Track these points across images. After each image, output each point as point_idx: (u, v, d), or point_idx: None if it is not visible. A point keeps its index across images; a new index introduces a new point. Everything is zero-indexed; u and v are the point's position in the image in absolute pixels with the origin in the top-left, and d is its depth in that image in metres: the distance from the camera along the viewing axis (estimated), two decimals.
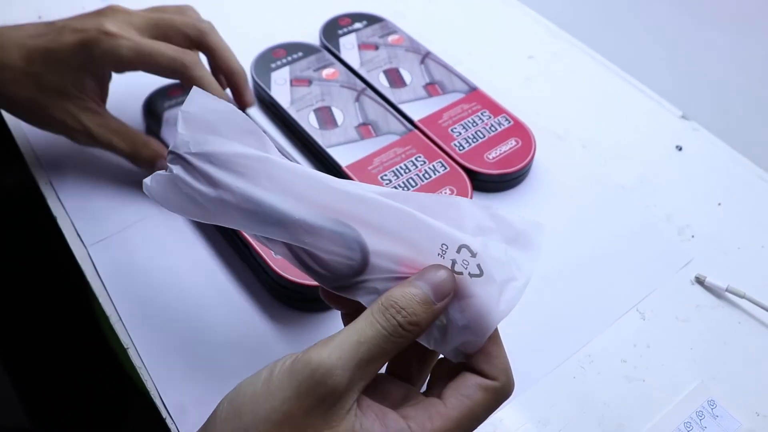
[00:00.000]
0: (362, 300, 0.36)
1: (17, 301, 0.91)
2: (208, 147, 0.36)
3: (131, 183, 0.59)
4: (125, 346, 0.49)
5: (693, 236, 0.57)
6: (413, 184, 0.55)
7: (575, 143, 0.64)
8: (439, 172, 0.56)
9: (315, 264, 0.36)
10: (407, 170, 0.56)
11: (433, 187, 0.55)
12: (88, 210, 0.57)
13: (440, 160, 0.57)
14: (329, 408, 0.31)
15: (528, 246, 0.36)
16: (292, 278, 0.47)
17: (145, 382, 0.47)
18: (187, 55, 0.52)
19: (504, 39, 0.75)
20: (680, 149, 0.64)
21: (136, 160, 0.56)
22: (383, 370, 0.38)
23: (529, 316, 0.51)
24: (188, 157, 0.36)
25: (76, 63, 0.52)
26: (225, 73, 0.56)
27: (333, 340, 0.32)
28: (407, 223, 0.34)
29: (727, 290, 0.52)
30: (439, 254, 0.34)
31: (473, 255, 0.34)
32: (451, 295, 0.34)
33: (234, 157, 0.36)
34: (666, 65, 0.71)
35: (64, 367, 0.90)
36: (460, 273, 0.34)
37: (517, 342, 0.49)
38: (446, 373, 0.36)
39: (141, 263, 0.54)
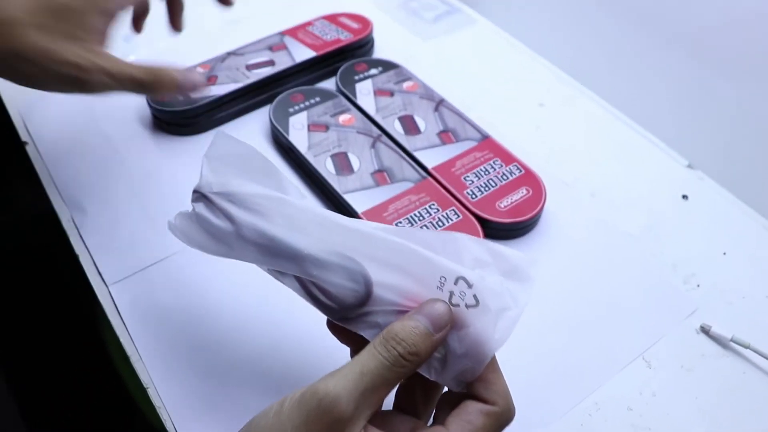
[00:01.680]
0: (365, 334, 0.38)
1: (29, 329, 0.92)
2: (229, 187, 0.40)
3: (153, 222, 0.60)
4: (145, 386, 0.50)
5: (698, 285, 0.58)
6: None
7: (583, 191, 0.65)
8: (452, 219, 0.58)
9: (323, 296, 0.39)
10: (421, 217, 0.58)
11: None
12: (110, 248, 0.59)
13: (453, 207, 0.59)
14: None
15: (523, 278, 0.38)
16: None
17: (164, 422, 0.48)
18: None
19: (515, 86, 0.77)
20: (686, 198, 0.65)
21: (158, 84, 0.52)
22: (391, 406, 0.41)
23: (538, 363, 0.52)
24: (211, 196, 0.41)
25: (80, 3, 0.51)
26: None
27: (339, 372, 0.34)
28: (408, 257, 0.37)
29: (732, 340, 0.53)
30: (437, 287, 0.37)
31: (470, 286, 0.36)
32: (448, 327, 0.36)
33: (251, 197, 0.40)
34: (672, 114, 0.72)
35: (71, 396, 0.91)
36: (458, 305, 0.36)
37: (526, 388, 0.50)
38: (449, 403, 0.38)
39: (162, 303, 0.55)
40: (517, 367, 0.52)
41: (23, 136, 0.68)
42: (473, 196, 0.60)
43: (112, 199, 0.62)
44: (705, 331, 0.55)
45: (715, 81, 0.68)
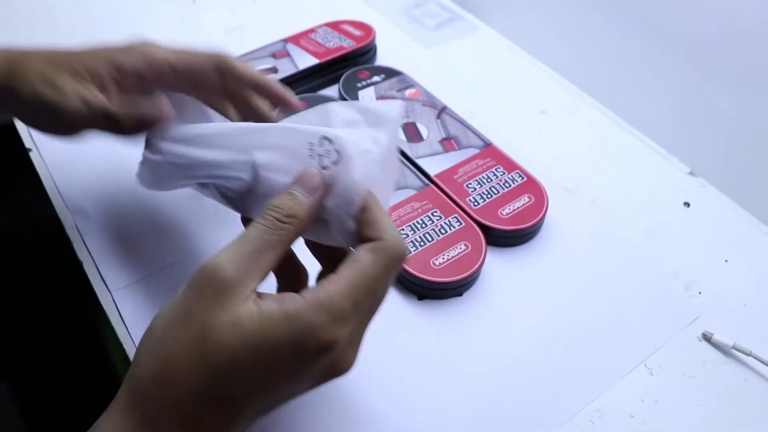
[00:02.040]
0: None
1: (30, 333, 0.92)
2: (166, 132, 0.48)
3: (156, 228, 0.61)
4: None
5: (700, 292, 0.58)
6: (429, 239, 0.57)
7: (585, 198, 0.65)
8: (454, 227, 0.58)
9: (230, 192, 0.45)
10: (423, 225, 0.58)
11: (448, 242, 0.57)
12: (114, 254, 0.59)
13: (455, 215, 0.59)
14: (225, 297, 0.35)
15: (386, 123, 0.41)
16: None
17: None
18: (221, 54, 0.52)
19: (517, 93, 0.78)
20: (688, 206, 0.65)
21: (129, 121, 0.49)
22: None
23: (540, 370, 0.52)
24: (151, 139, 0.48)
25: (106, 51, 0.51)
26: (257, 89, 0.53)
27: (223, 247, 0.37)
28: (282, 134, 0.42)
29: (733, 347, 0.53)
30: (309, 155, 0.40)
31: (331, 142, 0.40)
32: (321, 188, 0.39)
33: (177, 131, 0.47)
34: (674, 122, 0.73)
35: (72, 400, 0.91)
36: (327, 166, 0.40)
37: (528, 396, 0.51)
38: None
39: None
40: (520, 374, 0.52)
41: (27, 143, 0.68)
42: (476, 204, 0.60)
43: (116, 206, 0.63)
44: (707, 338, 0.55)
45: (716, 88, 0.68)
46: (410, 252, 0.41)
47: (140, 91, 0.50)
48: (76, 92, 0.49)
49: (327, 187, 0.39)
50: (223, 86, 0.52)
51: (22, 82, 0.49)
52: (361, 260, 0.37)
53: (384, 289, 0.38)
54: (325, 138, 0.40)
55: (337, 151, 0.40)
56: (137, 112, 0.49)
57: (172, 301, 0.37)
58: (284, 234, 0.38)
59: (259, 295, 0.36)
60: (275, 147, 0.42)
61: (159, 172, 0.49)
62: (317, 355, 0.35)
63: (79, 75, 0.49)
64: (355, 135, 0.40)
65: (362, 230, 0.39)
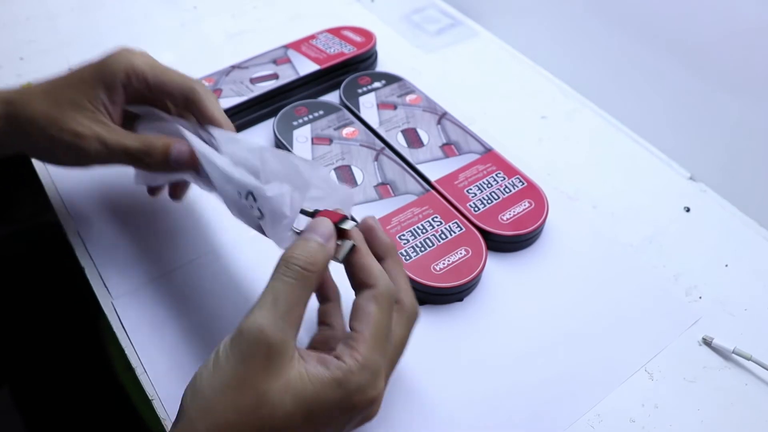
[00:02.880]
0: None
1: (33, 341, 0.92)
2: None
3: (158, 235, 0.61)
4: (150, 398, 0.51)
5: (700, 297, 0.58)
6: (430, 244, 0.57)
7: (586, 203, 0.66)
8: (455, 232, 0.58)
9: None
10: (424, 230, 0.58)
11: (449, 247, 0.57)
12: (115, 261, 0.59)
13: (456, 220, 0.59)
14: (274, 362, 0.37)
15: (306, 186, 0.45)
16: None
17: None
18: (197, 83, 0.54)
19: (517, 99, 0.78)
20: (688, 210, 0.65)
21: (150, 155, 0.52)
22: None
23: (540, 375, 0.52)
24: None
25: (91, 75, 0.53)
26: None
27: (255, 307, 0.38)
28: (220, 174, 0.46)
29: (734, 352, 0.54)
30: (239, 197, 0.45)
31: (255, 200, 0.44)
32: (333, 235, 0.42)
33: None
34: (675, 127, 0.73)
35: (76, 408, 0.91)
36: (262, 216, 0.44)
37: (529, 401, 0.51)
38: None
39: (166, 315, 0.55)
40: (520, 379, 0.52)
41: None
42: (476, 209, 0.60)
43: (118, 213, 0.63)
44: (707, 342, 0.55)
45: (716, 94, 0.68)
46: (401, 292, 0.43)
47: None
48: (95, 135, 0.51)
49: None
50: (184, 110, 0.55)
51: (31, 126, 0.52)
52: (370, 313, 0.41)
53: (390, 326, 0.42)
54: (251, 194, 0.44)
55: (259, 209, 0.44)
56: (164, 154, 0.52)
57: (218, 365, 0.38)
58: (309, 283, 0.40)
59: (301, 354, 0.39)
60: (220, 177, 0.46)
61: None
62: (364, 409, 0.40)
63: (86, 110, 0.52)
64: (276, 198, 0.43)
65: (357, 274, 0.42)
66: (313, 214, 0.45)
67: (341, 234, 0.43)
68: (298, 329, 0.39)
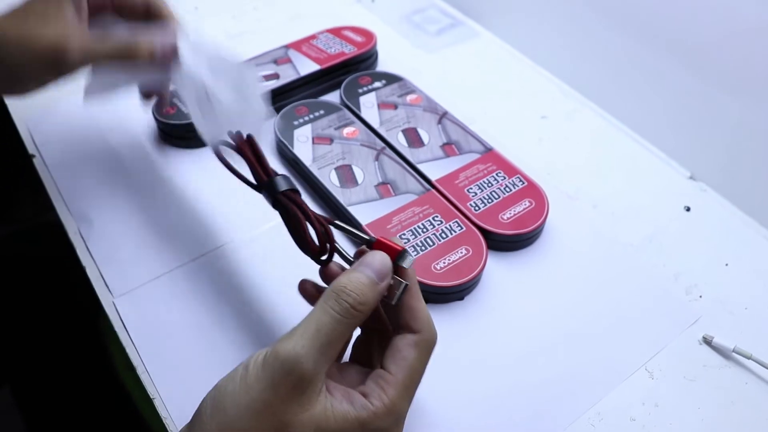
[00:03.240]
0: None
1: (34, 340, 0.93)
2: None
3: (159, 234, 0.61)
4: (151, 397, 0.51)
5: (701, 296, 0.58)
6: (430, 243, 0.57)
7: (586, 203, 0.66)
8: (455, 231, 0.58)
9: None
10: (425, 230, 0.58)
11: (449, 246, 0.57)
12: (116, 260, 0.60)
13: (456, 220, 0.59)
14: (302, 393, 0.36)
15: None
16: None
17: None
18: None
19: (518, 99, 0.78)
20: (688, 210, 0.66)
21: (136, 51, 0.52)
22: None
23: (541, 374, 0.52)
24: None
25: None
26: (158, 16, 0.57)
27: (296, 332, 0.38)
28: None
29: (734, 351, 0.54)
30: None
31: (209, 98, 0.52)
32: (389, 275, 0.40)
33: None
34: (675, 127, 0.73)
35: (77, 408, 0.91)
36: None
37: (530, 400, 0.51)
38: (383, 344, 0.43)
39: (168, 314, 0.56)
40: (521, 378, 0.52)
41: (30, 149, 0.69)
42: (476, 208, 0.60)
43: (119, 211, 0.63)
44: (707, 341, 0.55)
45: (716, 93, 0.68)
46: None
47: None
48: (77, 34, 0.51)
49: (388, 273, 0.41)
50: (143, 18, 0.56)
51: (4, 45, 0.50)
52: (408, 357, 0.40)
53: (422, 374, 0.41)
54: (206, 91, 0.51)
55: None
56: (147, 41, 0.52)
57: (245, 384, 0.37)
58: (354, 323, 0.39)
59: (328, 388, 0.38)
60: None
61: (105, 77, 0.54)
62: None
63: (59, 17, 0.50)
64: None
65: (404, 315, 0.41)
66: (370, 243, 0.43)
67: (396, 270, 0.41)
68: (331, 364, 0.38)
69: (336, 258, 0.45)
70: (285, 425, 0.36)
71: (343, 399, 0.38)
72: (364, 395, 0.39)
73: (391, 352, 0.40)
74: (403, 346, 0.40)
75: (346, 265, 0.43)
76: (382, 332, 0.44)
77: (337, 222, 0.45)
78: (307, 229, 0.45)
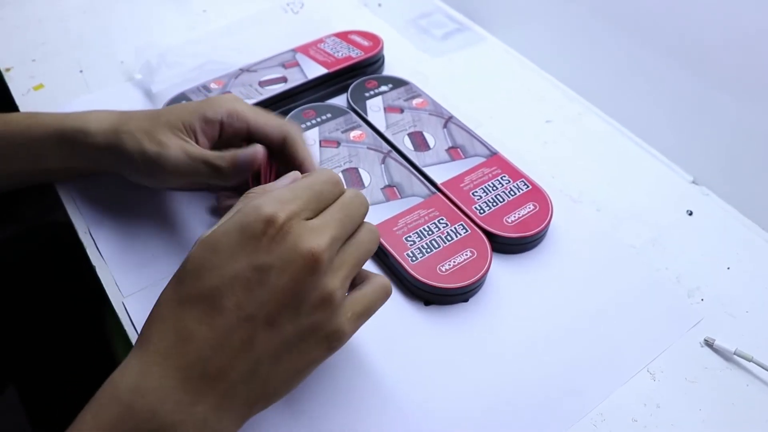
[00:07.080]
0: None
1: (39, 340, 0.93)
2: None
3: (168, 234, 0.62)
4: None
5: (702, 299, 0.59)
6: (436, 246, 0.58)
7: (589, 206, 0.66)
8: (460, 234, 0.59)
9: None
10: (430, 232, 0.59)
11: (454, 249, 0.58)
12: (125, 260, 0.60)
13: (462, 222, 0.60)
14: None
15: None
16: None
17: None
18: (293, 128, 0.58)
19: (522, 103, 0.79)
20: (691, 214, 0.66)
21: (224, 161, 0.56)
22: None
23: (544, 375, 0.53)
24: None
25: (194, 106, 0.58)
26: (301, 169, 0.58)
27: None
28: None
29: (735, 353, 0.54)
30: None
31: None
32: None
33: None
34: (677, 131, 0.73)
35: (83, 407, 0.92)
36: None
37: (532, 400, 0.52)
38: None
39: None
40: (524, 379, 0.53)
41: None
42: (481, 211, 0.61)
43: (129, 212, 0.64)
44: (709, 344, 0.56)
45: (719, 97, 0.69)
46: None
47: (219, 137, 0.58)
48: (179, 146, 0.55)
49: None
50: (278, 151, 0.58)
51: (128, 138, 0.56)
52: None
53: (322, 191, 0.43)
54: None
55: None
56: (235, 160, 0.55)
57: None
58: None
59: None
60: None
61: None
62: (264, 227, 0.39)
63: (177, 129, 0.56)
64: None
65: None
66: None
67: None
68: None
69: None
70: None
71: None
72: None
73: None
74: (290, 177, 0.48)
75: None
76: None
77: None
78: None
